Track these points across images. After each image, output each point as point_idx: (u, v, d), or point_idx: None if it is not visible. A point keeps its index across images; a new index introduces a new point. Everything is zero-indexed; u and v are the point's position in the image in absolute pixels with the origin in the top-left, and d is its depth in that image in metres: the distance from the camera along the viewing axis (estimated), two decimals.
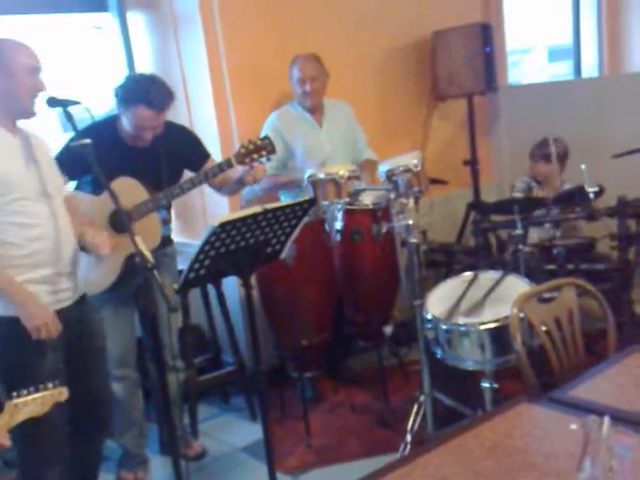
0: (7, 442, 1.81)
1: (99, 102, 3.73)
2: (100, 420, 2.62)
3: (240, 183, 2.99)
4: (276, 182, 3.62)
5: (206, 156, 3.10)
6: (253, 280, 3.07)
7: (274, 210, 2.35)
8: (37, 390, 1.88)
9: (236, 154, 2.88)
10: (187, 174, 3.04)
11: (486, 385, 2.77)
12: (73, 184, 2.88)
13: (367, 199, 3.46)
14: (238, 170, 2.93)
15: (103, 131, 2.79)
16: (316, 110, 3.72)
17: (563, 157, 3.91)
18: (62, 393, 1.94)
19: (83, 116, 2.32)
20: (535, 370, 2.12)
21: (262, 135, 2.98)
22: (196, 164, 3.03)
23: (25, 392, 1.85)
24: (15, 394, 1.84)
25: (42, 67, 2.28)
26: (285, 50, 3.70)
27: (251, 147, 2.88)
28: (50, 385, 1.91)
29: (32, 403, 1.85)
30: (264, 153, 2.89)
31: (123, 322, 2.98)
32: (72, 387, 2.04)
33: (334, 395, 3.76)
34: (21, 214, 2.23)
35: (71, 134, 2.48)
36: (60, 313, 2.35)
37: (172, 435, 2.50)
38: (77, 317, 2.43)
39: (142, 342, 3.17)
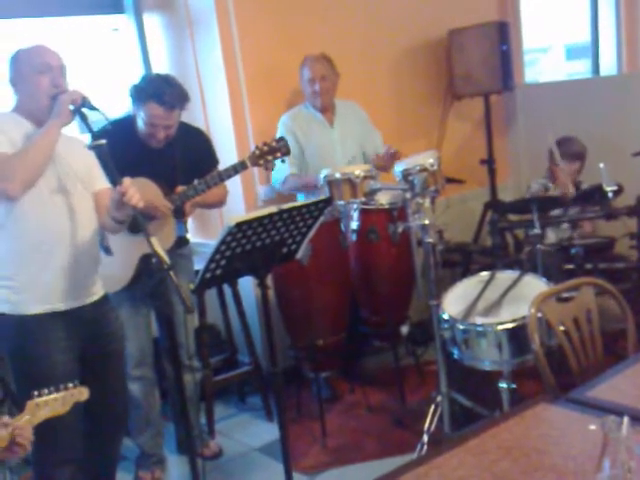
0: (31, 437, 1.83)
1: (116, 104, 3.75)
2: (117, 420, 2.63)
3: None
4: (300, 183, 3.60)
5: (215, 163, 3.11)
6: (269, 280, 3.07)
7: (290, 210, 2.35)
8: (58, 390, 1.89)
9: (250, 156, 2.89)
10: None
11: (504, 385, 2.75)
12: None
13: (383, 199, 3.45)
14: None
15: (121, 130, 2.80)
16: (327, 110, 3.72)
17: (582, 156, 3.88)
18: (82, 393, 1.96)
19: (98, 117, 2.33)
20: (553, 370, 2.10)
21: (277, 136, 2.98)
22: (204, 169, 3.02)
23: (46, 391, 1.87)
24: (36, 393, 1.86)
25: (62, 66, 2.30)
26: (301, 51, 3.70)
27: (266, 149, 2.88)
28: (70, 385, 1.93)
29: (53, 402, 1.87)
30: (279, 154, 2.90)
31: (140, 322, 2.99)
32: (89, 387, 2.05)
33: (350, 395, 3.75)
34: (33, 205, 2.25)
35: (87, 135, 2.50)
36: (76, 312, 2.37)
37: (189, 434, 2.51)
38: (94, 317, 2.44)
39: (158, 342, 3.19)
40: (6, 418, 1.80)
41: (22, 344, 2.32)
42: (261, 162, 2.89)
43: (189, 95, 2.87)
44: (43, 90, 2.25)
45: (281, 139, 2.93)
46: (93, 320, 2.43)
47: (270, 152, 2.88)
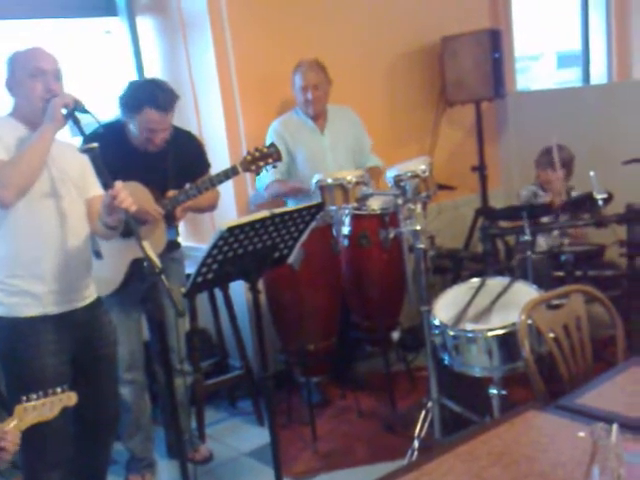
0: (17, 442, 1.82)
1: (108, 106, 3.74)
2: (109, 423, 2.62)
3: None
4: (283, 189, 3.62)
5: (207, 167, 3.11)
6: (260, 284, 3.07)
7: (282, 214, 2.35)
8: (46, 395, 1.89)
9: (242, 161, 2.89)
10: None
11: (494, 392, 2.76)
12: None
13: (375, 204, 3.46)
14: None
15: (111, 134, 2.79)
16: (319, 116, 3.73)
17: (569, 163, 3.90)
18: (71, 398, 1.96)
19: (89, 120, 2.33)
20: (543, 377, 2.11)
21: (267, 142, 2.99)
22: (196, 173, 3.02)
23: (34, 396, 1.87)
24: (25, 398, 1.85)
25: (56, 70, 2.30)
26: (294, 56, 3.71)
27: (257, 154, 2.88)
28: (59, 390, 1.92)
29: (41, 407, 1.87)
30: (270, 160, 2.90)
31: (131, 326, 2.98)
32: (80, 390, 2.05)
33: (341, 400, 3.75)
34: (24, 209, 2.24)
35: (79, 139, 2.49)
36: (68, 315, 2.37)
37: (179, 439, 2.50)
38: (86, 320, 2.43)
39: (149, 346, 3.18)
40: None
41: (13, 346, 2.31)
42: (252, 168, 2.89)
43: (177, 93, 2.87)
44: (37, 94, 2.25)
45: (272, 145, 2.94)
46: (85, 323, 2.42)
47: (262, 158, 2.89)
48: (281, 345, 3.67)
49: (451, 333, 2.79)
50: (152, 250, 2.18)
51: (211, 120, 3.82)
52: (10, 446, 1.80)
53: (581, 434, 1.30)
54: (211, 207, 3.21)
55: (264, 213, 2.32)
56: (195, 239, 4.00)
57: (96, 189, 2.44)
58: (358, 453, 3.22)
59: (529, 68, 6.87)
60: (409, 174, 2.99)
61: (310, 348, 3.49)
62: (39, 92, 2.25)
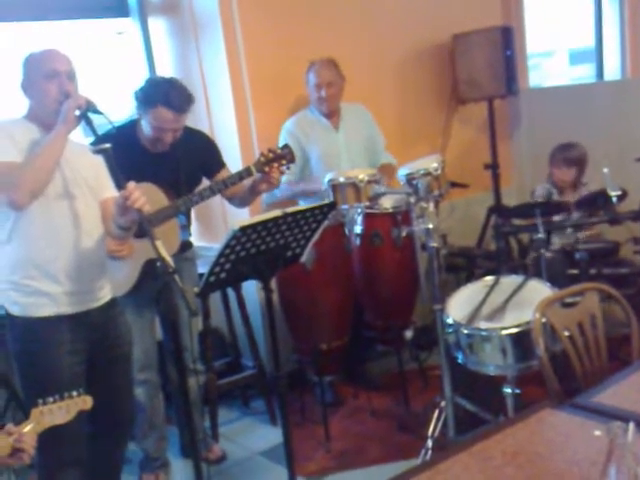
0: (34, 444, 1.84)
1: (120, 107, 3.76)
2: (124, 423, 2.63)
3: (253, 192, 2.97)
4: (293, 191, 3.63)
5: (221, 165, 3.11)
6: (273, 284, 3.07)
7: (294, 214, 2.35)
8: (62, 398, 1.91)
9: (256, 163, 2.88)
10: (205, 180, 3.06)
11: (508, 390, 2.75)
12: None
13: (387, 203, 3.45)
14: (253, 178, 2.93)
15: (123, 136, 2.79)
16: (333, 114, 3.73)
17: (583, 162, 3.88)
18: (86, 402, 1.97)
19: (102, 121, 2.34)
20: (558, 375, 2.10)
21: (280, 142, 2.97)
22: (211, 172, 3.03)
23: (51, 400, 1.89)
24: (41, 401, 1.87)
25: (69, 71, 2.31)
26: (305, 55, 3.71)
27: (271, 156, 2.87)
28: (75, 393, 1.94)
29: (57, 411, 1.89)
30: (284, 162, 2.89)
31: (144, 326, 2.99)
32: (95, 389, 2.05)
33: (354, 400, 3.75)
34: (39, 210, 2.25)
35: (91, 139, 2.50)
36: (83, 315, 2.37)
37: (193, 438, 2.51)
38: (101, 321, 2.44)
39: (162, 345, 3.19)
40: (10, 426, 1.82)
41: (28, 346, 2.32)
42: (266, 169, 2.88)
43: (194, 97, 2.87)
44: (51, 96, 2.25)
45: (286, 146, 2.93)
46: (100, 324, 2.43)
47: (275, 159, 2.88)
48: (294, 344, 3.67)
49: (465, 332, 2.78)
50: (166, 251, 2.18)
51: (223, 120, 3.82)
52: (28, 448, 1.82)
53: (597, 433, 1.29)
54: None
55: (276, 212, 2.32)
56: (207, 239, 4.00)
57: (110, 191, 2.44)
58: (371, 452, 3.22)
59: (542, 65, 6.84)
60: (421, 172, 2.99)
61: (323, 347, 3.49)
62: (53, 94, 2.25)
